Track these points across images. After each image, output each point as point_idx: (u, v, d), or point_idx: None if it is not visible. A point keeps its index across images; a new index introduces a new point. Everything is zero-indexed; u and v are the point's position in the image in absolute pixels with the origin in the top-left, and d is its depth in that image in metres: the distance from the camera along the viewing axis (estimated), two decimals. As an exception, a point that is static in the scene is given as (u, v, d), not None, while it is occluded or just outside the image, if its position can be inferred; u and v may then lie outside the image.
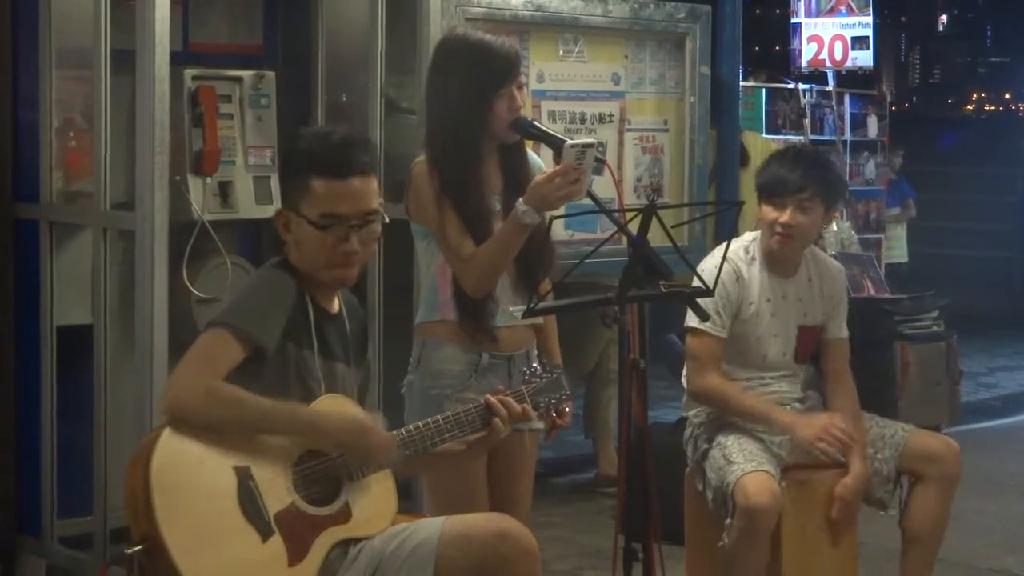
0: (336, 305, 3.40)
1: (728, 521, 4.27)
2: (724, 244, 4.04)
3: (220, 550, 3.04)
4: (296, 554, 3.13)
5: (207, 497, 3.06)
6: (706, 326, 4.36)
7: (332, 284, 3.34)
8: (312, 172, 3.25)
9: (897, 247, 11.12)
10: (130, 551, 3.02)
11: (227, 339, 3.14)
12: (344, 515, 3.22)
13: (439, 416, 3.39)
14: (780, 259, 4.52)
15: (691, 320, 4.38)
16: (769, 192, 4.47)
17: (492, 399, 3.44)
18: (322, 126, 4.72)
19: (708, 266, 4.21)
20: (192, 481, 3.06)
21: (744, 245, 4.53)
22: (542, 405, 3.57)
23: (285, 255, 3.34)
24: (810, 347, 4.63)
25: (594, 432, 6.95)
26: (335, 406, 3.28)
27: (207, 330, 3.18)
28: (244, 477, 3.09)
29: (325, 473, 3.21)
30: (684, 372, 4.62)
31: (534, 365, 3.65)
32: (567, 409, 3.71)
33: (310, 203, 3.25)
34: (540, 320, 3.86)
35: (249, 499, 3.09)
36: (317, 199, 3.24)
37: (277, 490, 3.13)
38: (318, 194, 3.24)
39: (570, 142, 3.57)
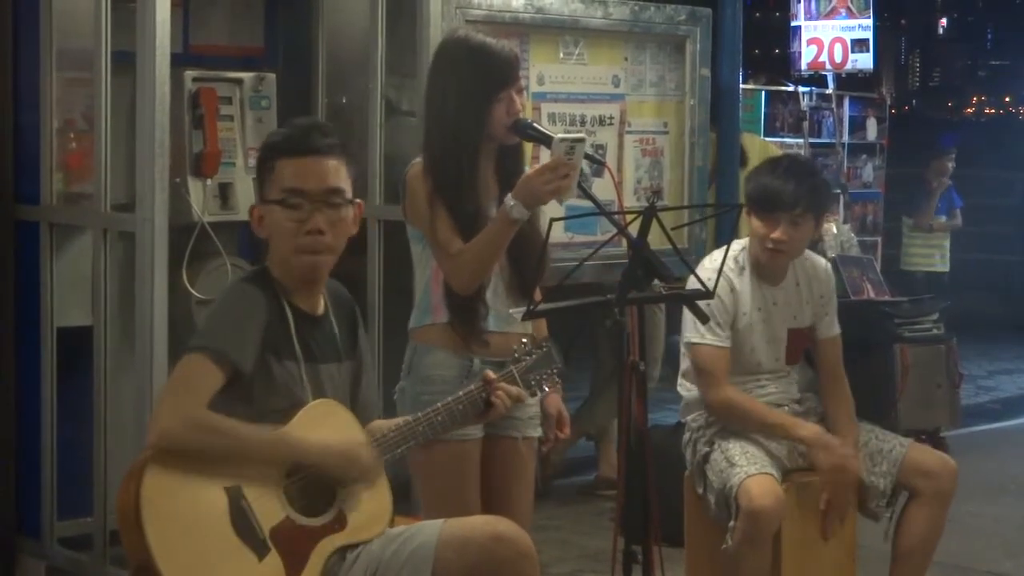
0: (320, 306, 3.36)
1: (731, 524, 4.27)
2: (723, 249, 4.03)
3: (216, 575, 3.04)
4: (294, 568, 3.12)
5: (199, 522, 3.05)
6: (710, 339, 4.38)
7: (304, 276, 3.28)
8: (276, 156, 3.27)
9: (940, 255, 10.93)
10: None
11: (205, 364, 3.11)
12: (340, 522, 3.21)
13: (429, 409, 3.37)
14: (770, 268, 4.54)
15: (693, 335, 4.40)
16: (760, 207, 4.46)
17: (491, 375, 3.43)
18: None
19: (706, 270, 4.21)
20: (183, 507, 3.04)
21: (733, 255, 4.51)
22: (533, 382, 3.52)
23: (263, 265, 3.32)
24: (800, 348, 4.64)
25: (598, 435, 6.94)
26: (325, 416, 3.26)
27: (184, 356, 3.16)
28: (235, 497, 3.08)
29: (317, 482, 3.19)
30: (681, 380, 4.62)
31: (523, 340, 3.58)
32: (559, 382, 3.67)
33: (276, 185, 3.26)
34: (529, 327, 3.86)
35: (242, 519, 3.07)
36: (281, 178, 3.25)
37: (270, 505, 3.12)
38: (282, 174, 3.25)
39: (559, 136, 3.57)
